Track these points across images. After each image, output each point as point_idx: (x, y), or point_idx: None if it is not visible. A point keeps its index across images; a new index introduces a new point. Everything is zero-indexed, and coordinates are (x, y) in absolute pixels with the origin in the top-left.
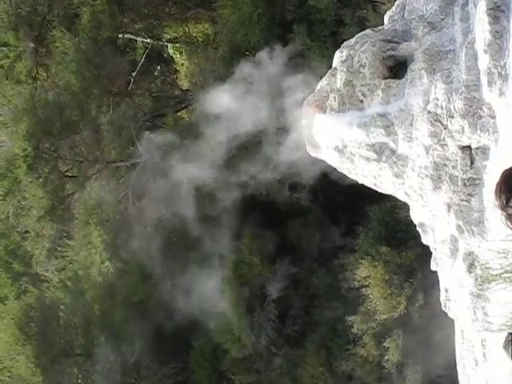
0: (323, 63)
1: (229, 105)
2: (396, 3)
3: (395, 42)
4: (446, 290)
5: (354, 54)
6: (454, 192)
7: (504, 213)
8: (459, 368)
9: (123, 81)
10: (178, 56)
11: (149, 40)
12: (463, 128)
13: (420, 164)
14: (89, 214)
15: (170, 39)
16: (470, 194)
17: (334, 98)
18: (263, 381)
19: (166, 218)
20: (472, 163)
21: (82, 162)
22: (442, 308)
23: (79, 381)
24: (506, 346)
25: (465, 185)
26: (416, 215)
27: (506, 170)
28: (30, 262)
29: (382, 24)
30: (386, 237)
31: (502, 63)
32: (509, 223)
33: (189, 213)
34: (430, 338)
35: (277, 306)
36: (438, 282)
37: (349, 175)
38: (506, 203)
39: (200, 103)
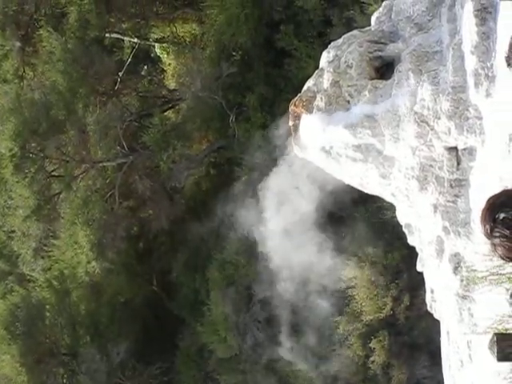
0: (310, 64)
1: None
2: (383, 4)
3: (382, 43)
4: (432, 291)
5: (341, 54)
6: (440, 193)
7: (489, 241)
8: (445, 369)
9: (110, 80)
10: (165, 56)
11: (136, 40)
12: (450, 129)
13: (406, 165)
14: (75, 213)
15: (157, 39)
16: (456, 195)
17: (321, 98)
18: (249, 381)
19: (152, 218)
20: (458, 164)
21: (68, 161)
22: (428, 309)
23: (64, 381)
24: (491, 347)
25: (451, 186)
26: (402, 216)
27: (491, 198)
28: (16, 261)
29: (370, 25)
30: (373, 238)
31: (489, 65)
32: (495, 252)
33: (176, 212)
34: (415, 339)
35: (263, 306)
36: (424, 283)
37: (335, 176)
38: (491, 232)
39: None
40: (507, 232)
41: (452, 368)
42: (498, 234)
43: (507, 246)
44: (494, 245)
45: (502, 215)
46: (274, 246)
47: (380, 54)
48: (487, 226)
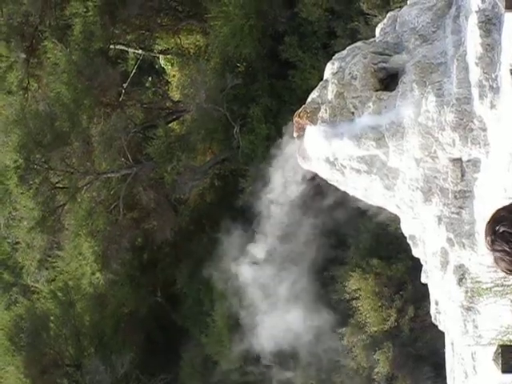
0: (314, 75)
1: None
2: (387, 15)
3: (386, 55)
4: (437, 303)
5: (346, 66)
6: (444, 204)
7: (492, 253)
8: (449, 381)
9: (114, 92)
10: (170, 67)
11: (140, 51)
12: (454, 141)
13: (411, 176)
14: (79, 225)
15: (161, 50)
16: (460, 207)
17: (326, 109)
18: None
19: (156, 229)
20: (463, 176)
21: (72, 173)
22: (433, 321)
23: None
24: (495, 359)
25: (455, 197)
26: (406, 228)
27: (497, 210)
28: (21, 272)
29: (374, 36)
30: (377, 249)
31: (494, 76)
32: (497, 265)
33: (180, 223)
34: (420, 351)
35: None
36: (429, 294)
37: (339, 187)
38: (492, 245)
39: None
40: (506, 247)
41: (456, 380)
42: (498, 248)
43: (508, 260)
44: (495, 258)
45: (501, 229)
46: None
47: (384, 65)
48: (488, 238)
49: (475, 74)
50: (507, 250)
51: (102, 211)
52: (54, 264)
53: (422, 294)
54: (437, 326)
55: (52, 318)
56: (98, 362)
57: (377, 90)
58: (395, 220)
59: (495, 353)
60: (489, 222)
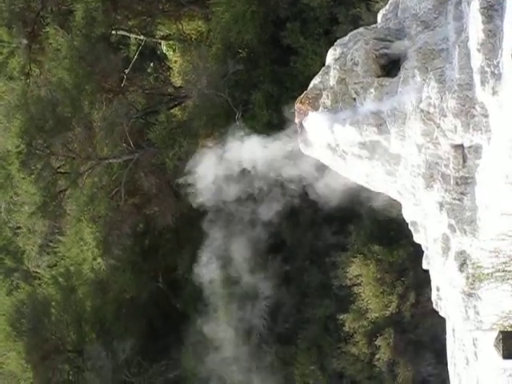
0: (316, 61)
1: None
2: (389, 1)
3: (388, 41)
4: (438, 289)
5: (348, 52)
6: (446, 191)
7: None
8: (450, 367)
9: (116, 78)
10: (171, 53)
11: (142, 37)
12: (456, 127)
13: (412, 162)
14: (81, 210)
15: (163, 36)
16: (462, 193)
17: (327, 95)
18: (254, 379)
19: (158, 215)
20: (464, 162)
21: (74, 158)
22: (434, 307)
23: (70, 377)
24: (496, 345)
25: (457, 183)
26: (408, 214)
27: None
28: (22, 257)
29: (376, 22)
30: (378, 235)
31: (495, 62)
32: None
33: (181, 209)
34: (421, 337)
35: (268, 303)
36: (430, 280)
37: (341, 173)
38: None
39: None
40: None
41: (457, 366)
42: None
43: None
44: None
45: None
46: None
47: (386, 51)
48: None
49: (477, 60)
50: None
51: (104, 197)
52: (56, 249)
53: (423, 280)
54: (438, 312)
55: (53, 303)
56: (100, 347)
57: (378, 76)
58: (397, 206)
59: (496, 339)
60: None
